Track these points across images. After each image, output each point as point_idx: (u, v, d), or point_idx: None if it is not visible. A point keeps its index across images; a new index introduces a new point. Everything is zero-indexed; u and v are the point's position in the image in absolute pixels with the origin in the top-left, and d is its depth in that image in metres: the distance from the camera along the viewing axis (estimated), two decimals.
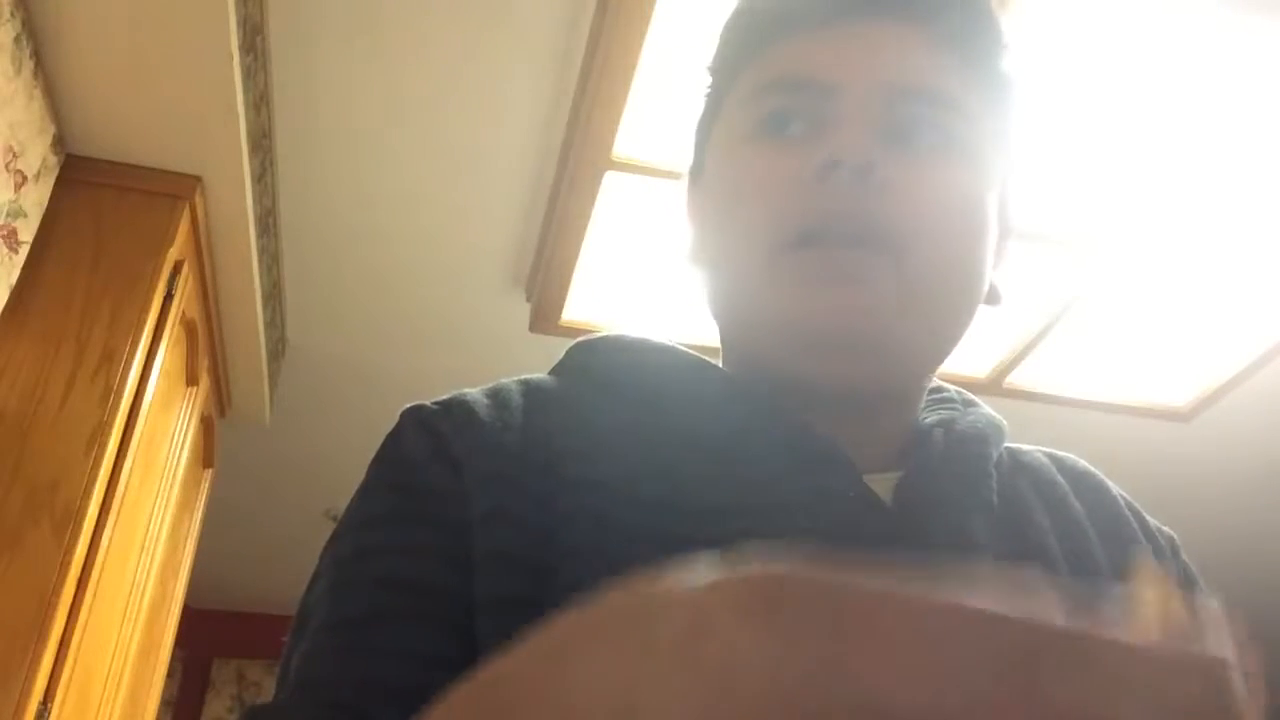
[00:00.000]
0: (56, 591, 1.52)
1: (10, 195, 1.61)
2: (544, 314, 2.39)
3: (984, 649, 0.23)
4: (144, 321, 1.74)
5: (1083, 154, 1.97)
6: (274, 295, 2.38)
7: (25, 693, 1.46)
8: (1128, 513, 0.66)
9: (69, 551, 1.55)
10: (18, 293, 1.68)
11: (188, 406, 2.14)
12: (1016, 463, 0.65)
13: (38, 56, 1.62)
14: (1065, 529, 0.61)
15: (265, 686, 3.85)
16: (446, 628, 0.52)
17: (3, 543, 1.53)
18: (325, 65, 1.90)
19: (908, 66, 0.60)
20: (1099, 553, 0.61)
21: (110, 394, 1.67)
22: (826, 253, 0.57)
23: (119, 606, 1.85)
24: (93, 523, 1.61)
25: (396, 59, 1.89)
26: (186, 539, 2.40)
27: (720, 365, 0.65)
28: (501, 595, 0.51)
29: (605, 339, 0.66)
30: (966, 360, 2.49)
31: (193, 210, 1.86)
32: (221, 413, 2.52)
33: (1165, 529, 0.68)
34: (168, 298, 1.82)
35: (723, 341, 0.66)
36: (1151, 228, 2.13)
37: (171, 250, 1.81)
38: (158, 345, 1.79)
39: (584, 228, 2.14)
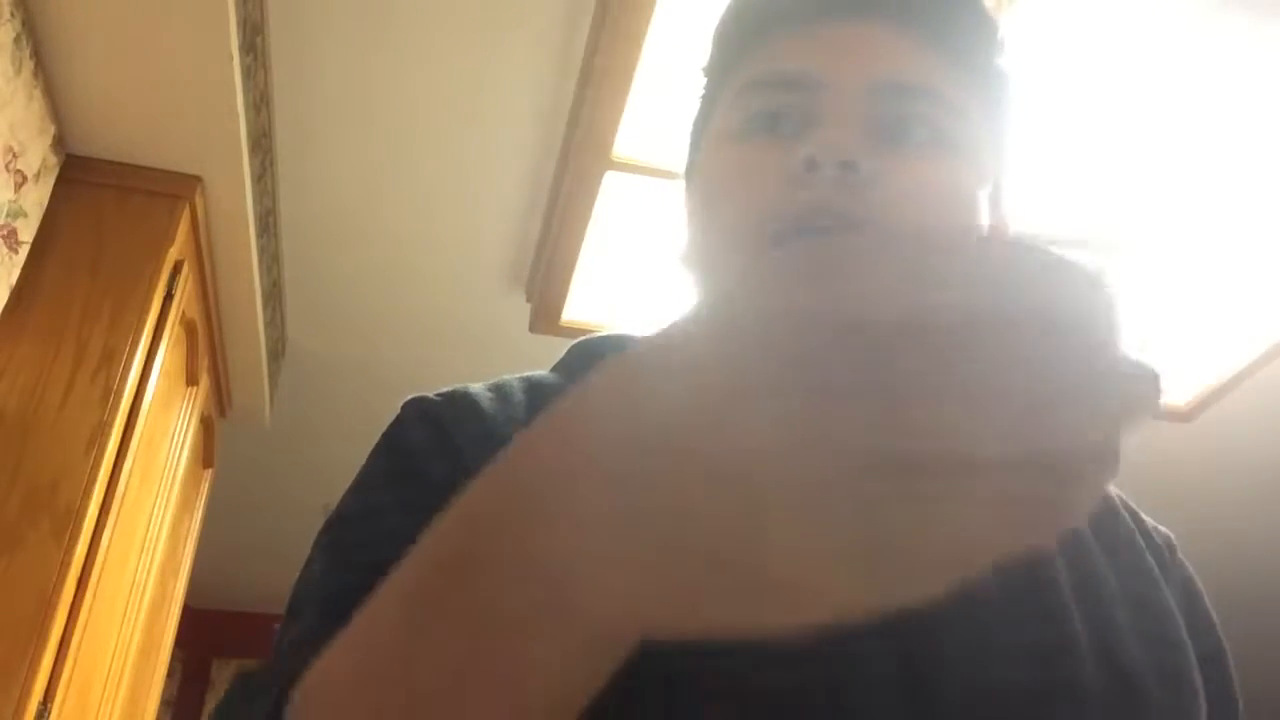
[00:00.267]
0: (56, 591, 1.52)
1: (10, 195, 1.61)
2: (544, 314, 2.39)
3: (957, 265, 0.26)
4: (144, 321, 1.74)
5: (1082, 155, 1.97)
6: (274, 295, 2.38)
7: (25, 693, 1.46)
8: (1125, 513, 0.66)
9: (69, 551, 1.55)
10: (18, 293, 1.68)
11: (188, 406, 2.14)
12: None
13: (38, 56, 1.62)
14: (1065, 535, 0.61)
15: None
16: None
17: (3, 543, 1.53)
18: (325, 65, 1.91)
19: (895, 63, 0.60)
20: (1098, 555, 0.61)
21: (110, 394, 1.67)
22: None
23: (119, 606, 1.85)
24: (93, 523, 1.61)
25: (396, 59, 1.89)
26: (186, 539, 2.40)
27: None
28: None
29: (606, 338, 0.66)
30: None
31: (193, 210, 1.86)
32: (221, 413, 2.52)
33: (1162, 529, 0.68)
34: (168, 298, 1.82)
35: None
36: (1151, 227, 2.13)
37: (171, 250, 1.81)
38: (158, 345, 1.79)
39: (584, 228, 2.14)
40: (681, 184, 0.70)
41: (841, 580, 0.26)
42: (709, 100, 0.67)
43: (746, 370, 0.26)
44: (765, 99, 0.61)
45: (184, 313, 1.92)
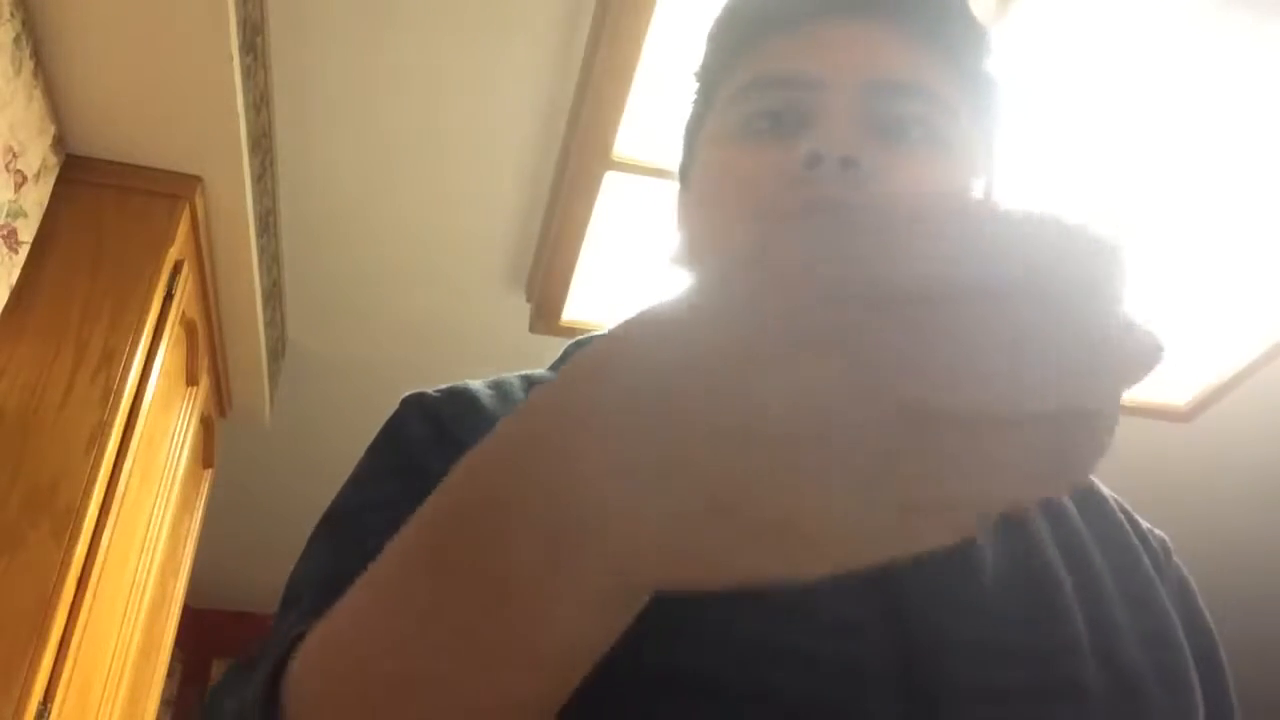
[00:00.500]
0: (56, 591, 1.52)
1: (10, 195, 1.61)
2: (544, 314, 2.39)
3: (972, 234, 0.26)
4: (144, 321, 1.74)
5: (1082, 155, 1.97)
6: (274, 295, 2.38)
7: (25, 693, 1.46)
8: (1120, 515, 0.66)
9: (69, 551, 1.55)
10: (18, 293, 1.68)
11: (188, 406, 2.14)
12: None
13: (38, 56, 1.62)
14: (1065, 538, 0.61)
15: None
16: None
17: (3, 543, 1.53)
18: (325, 65, 1.91)
19: (891, 63, 0.61)
20: (1097, 557, 0.61)
21: (110, 394, 1.67)
22: None
23: (119, 606, 1.85)
24: (93, 523, 1.61)
25: (396, 59, 1.89)
26: (186, 539, 2.40)
27: None
28: None
29: None
30: None
31: (193, 210, 1.86)
32: (221, 413, 2.52)
33: (1157, 531, 0.68)
34: (168, 298, 1.82)
35: None
36: (1150, 226, 2.13)
37: (171, 250, 1.81)
38: (158, 345, 1.79)
39: (584, 228, 2.14)
40: (675, 186, 0.70)
41: (852, 527, 0.27)
42: (703, 102, 0.67)
43: (772, 330, 0.27)
44: (763, 99, 0.61)
45: (184, 313, 1.92)
